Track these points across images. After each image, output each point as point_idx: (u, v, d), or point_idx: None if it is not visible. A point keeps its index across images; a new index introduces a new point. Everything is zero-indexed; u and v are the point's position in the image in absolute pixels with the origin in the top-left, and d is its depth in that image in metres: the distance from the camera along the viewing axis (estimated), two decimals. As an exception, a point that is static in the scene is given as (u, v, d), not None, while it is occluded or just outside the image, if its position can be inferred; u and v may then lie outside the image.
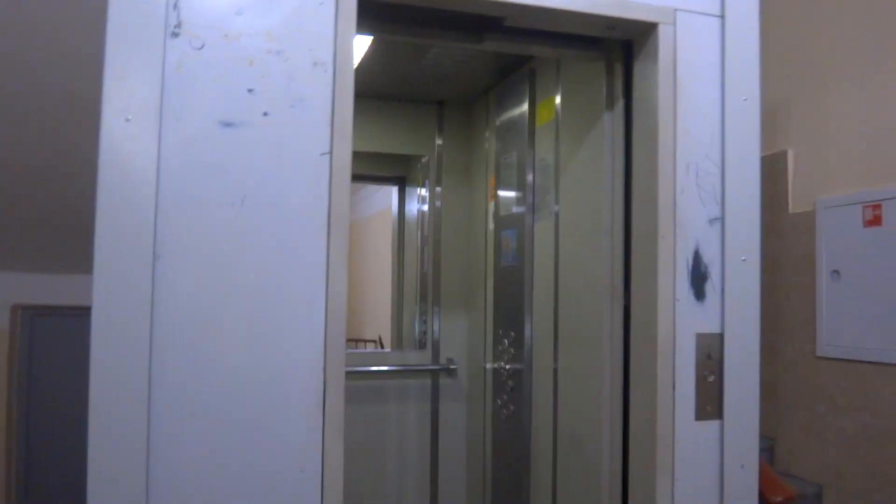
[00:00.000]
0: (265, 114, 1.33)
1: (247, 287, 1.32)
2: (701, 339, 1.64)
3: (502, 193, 2.50)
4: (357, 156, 2.92)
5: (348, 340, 3.12)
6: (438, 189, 2.90)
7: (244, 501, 1.31)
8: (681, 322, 1.62)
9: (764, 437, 3.17)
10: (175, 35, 1.27)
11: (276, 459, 1.32)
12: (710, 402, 1.65)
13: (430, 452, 2.84)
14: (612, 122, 1.86)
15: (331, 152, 1.36)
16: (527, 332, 2.30)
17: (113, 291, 1.24)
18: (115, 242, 1.24)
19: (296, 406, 1.33)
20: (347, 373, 2.69)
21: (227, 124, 1.31)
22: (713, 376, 1.65)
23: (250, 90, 1.32)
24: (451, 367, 2.85)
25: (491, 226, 2.61)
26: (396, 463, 2.82)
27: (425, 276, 2.93)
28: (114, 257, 1.24)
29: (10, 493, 3.19)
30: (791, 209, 2.56)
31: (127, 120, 1.25)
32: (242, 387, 1.31)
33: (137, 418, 1.24)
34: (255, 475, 1.32)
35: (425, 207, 2.96)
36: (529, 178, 2.30)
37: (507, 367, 2.41)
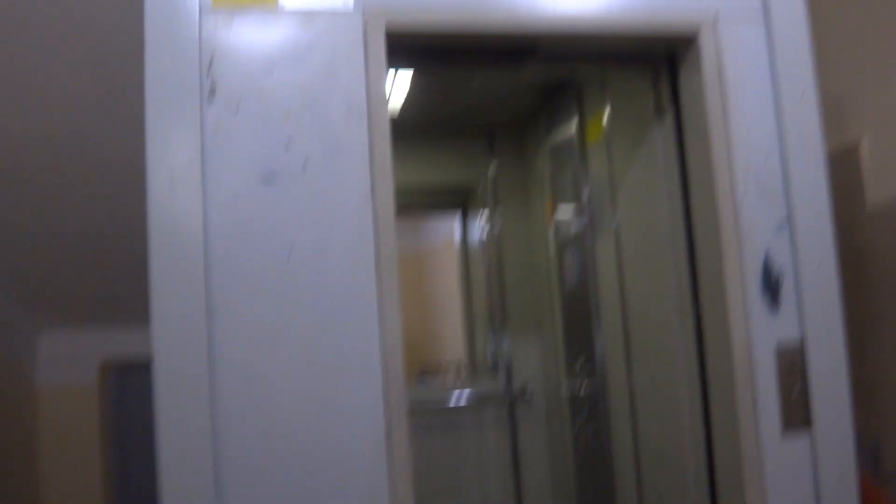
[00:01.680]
0: (304, 166, 1.34)
1: (300, 337, 1.32)
2: (781, 348, 1.55)
3: (560, 214, 2.46)
4: (414, 190, 2.97)
5: (428, 370, 3.12)
6: (498, 215, 2.88)
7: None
8: (757, 333, 1.53)
9: (866, 440, 2.98)
10: (211, 99, 1.30)
11: (345, 510, 1.31)
12: (796, 414, 1.55)
13: (512, 480, 2.79)
14: (663, 133, 1.79)
15: (372, 195, 1.36)
16: (598, 353, 2.24)
17: (171, 348, 1.27)
18: (170, 299, 1.27)
19: (359, 455, 1.32)
20: (422, 410, 2.70)
21: (268, 180, 1.32)
22: (798, 387, 1.55)
23: (288, 144, 1.34)
24: (526, 393, 2.80)
25: (552, 248, 2.57)
26: (479, 496, 2.78)
27: (493, 304, 2.89)
28: (170, 313, 1.27)
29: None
30: (869, 203, 2.42)
31: (171, 183, 1.28)
32: (303, 442, 1.31)
33: (204, 475, 1.25)
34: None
35: (486, 235, 2.94)
36: (586, 196, 2.25)
37: (582, 389, 2.35)
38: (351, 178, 1.36)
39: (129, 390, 3.54)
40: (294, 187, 1.33)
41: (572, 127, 2.31)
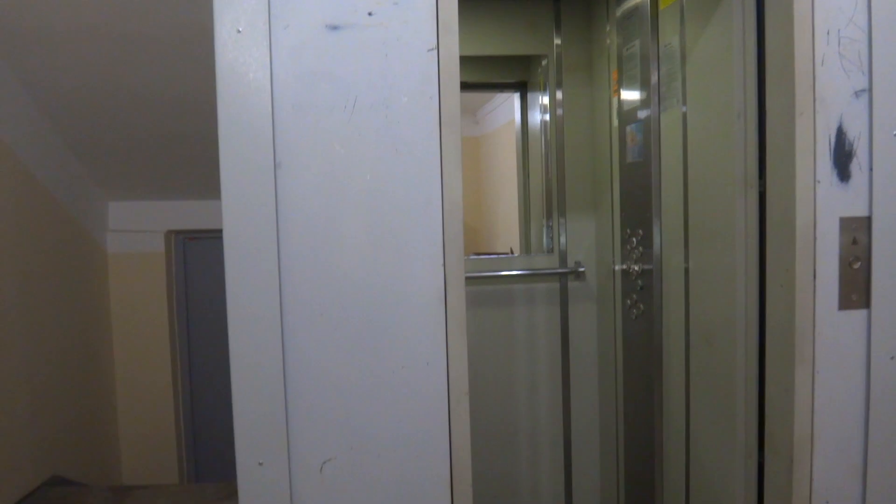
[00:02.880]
0: (370, 13, 1.32)
1: (363, 189, 1.35)
2: (845, 223, 1.52)
3: (626, 86, 2.38)
4: (475, 61, 2.91)
5: (479, 254, 3.16)
6: (560, 90, 2.81)
7: (374, 394, 1.38)
8: (822, 206, 1.50)
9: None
10: (277, -60, 1.28)
11: (402, 355, 1.38)
12: (855, 291, 1.54)
13: (560, 353, 2.86)
14: (741, -6, 1.70)
15: (437, 48, 1.34)
16: (655, 230, 2.22)
17: (239, 200, 1.31)
18: (238, 152, 1.30)
19: (418, 303, 1.37)
20: (475, 278, 2.76)
21: (334, 27, 1.31)
22: (859, 263, 1.53)
23: (354, -11, 1.32)
24: (580, 269, 2.82)
25: (615, 122, 2.51)
26: (528, 364, 2.87)
27: (550, 183, 2.88)
28: (238, 166, 1.30)
29: (177, 385, 3.55)
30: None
31: (238, 32, 1.28)
32: (366, 286, 1.36)
33: (271, 320, 1.32)
34: (383, 370, 1.38)
35: (547, 114, 2.89)
36: (654, 66, 2.17)
37: (637, 266, 2.35)
38: (416, 30, 1.34)
39: (193, 257, 3.70)
40: (358, 36, 1.32)
41: (644, -9, 2.20)
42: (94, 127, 2.88)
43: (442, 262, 1.37)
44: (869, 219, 1.51)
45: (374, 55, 1.33)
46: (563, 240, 2.84)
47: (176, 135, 2.94)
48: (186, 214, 3.51)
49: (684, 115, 2.07)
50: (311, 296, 1.34)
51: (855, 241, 1.52)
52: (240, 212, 1.31)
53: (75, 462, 3.01)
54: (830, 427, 1.54)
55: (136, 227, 3.46)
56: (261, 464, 1.35)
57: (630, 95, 2.34)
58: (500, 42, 2.81)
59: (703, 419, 2.09)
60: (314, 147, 1.33)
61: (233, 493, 2.48)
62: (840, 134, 1.48)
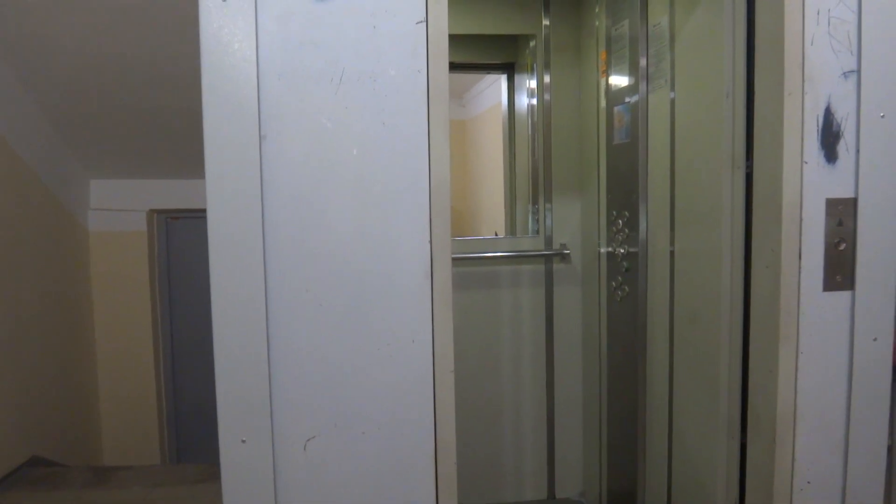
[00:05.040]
0: (358, -18, 1.30)
1: (350, 163, 1.33)
2: (831, 204, 1.52)
3: (614, 67, 2.37)
4: (462, 41, 2.89)
5: (465, 237, 3.15)
6: (548, 71, 2.80)
7: (359, 372, 1.37)
8: (809, 186, 1.50)
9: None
10: None
11: (388, 331, 1.36)
12: (840, 272, 1.54)
13: (544, 334, 2.87)
14: (732, -28, 1.70)
15: (426, 20, 1.32)
16: (641, 212, 2.23)
17: (223, 172, 1.28)
18: (222, 123, 1.28)
19: (404, 279, 1.36)
20: (461, 259, 2.75)
21: (321, -4, 1.29)
22: (845, 244, 1.53)
23: (341, -42, 1.29)
24: (565, 251, 2.82)
25: (603, 103, 2.50)
26: (512, 345, 2.87)
27: (536, 165, 2.87)
28: (222, 137, 1.27)
29: (159, 365, 3.53)
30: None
31: (223, 0, 1.25)
32: (352, 262, 1.34)
33: (256, 296, 1.30)
34: (369, 347, 1.37)
35: (534, 97, 2.87)
36: (643, 46, 2.16)
37: (622, 249, 2.36)
38: (405, 1, 1.31)
39: (176, 237, 3.66)
40: (346, 5, 1.29)
41: (634, -29, 2.19)
42: (77, 102, 2.83)
43: (429, 238, 1.35)
44: (855, 200, 1.51)
45: (361, 26, 1.30)
46: (548, 222, 2.84)
47: (160, 110, 2.90)
48: (169, 194, 3.48)
49: (672, 95, 2.07)
50: (297, 272, 1.33)
51: (840, 223, 1.52)
52: (224, 185, 1.29)
53: (56, 443, 2.98)
54: (813, 407, 1.54)
55: (118, 206, 3.42)
56: (244, 441, 1.34)
57: (618, 76, 2.33)
58: (488, 21, 2.79)
59: (686, 400, 2.11)
60: (300, 119, 1.31)
61: (214, 475, 2.47)
62: (828, 115, 1.48)
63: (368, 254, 1.34)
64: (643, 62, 2.16)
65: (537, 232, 2.88)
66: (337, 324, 1.35)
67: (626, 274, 2.35)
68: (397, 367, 1.37)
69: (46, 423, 2.93)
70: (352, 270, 1.34)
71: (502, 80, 3.20)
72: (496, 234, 5.96)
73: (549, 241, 2.85)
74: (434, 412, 1.39)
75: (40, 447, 2.84)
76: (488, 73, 4.27)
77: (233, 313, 1.31)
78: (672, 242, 2.15)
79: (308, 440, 1.37)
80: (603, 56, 2.47)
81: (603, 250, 2.57)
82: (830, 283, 1.55)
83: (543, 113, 2.81)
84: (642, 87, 2.17)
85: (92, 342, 3.41)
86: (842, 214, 1.52)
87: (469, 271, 2.83)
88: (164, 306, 3.63)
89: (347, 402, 1.37)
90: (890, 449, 1.62)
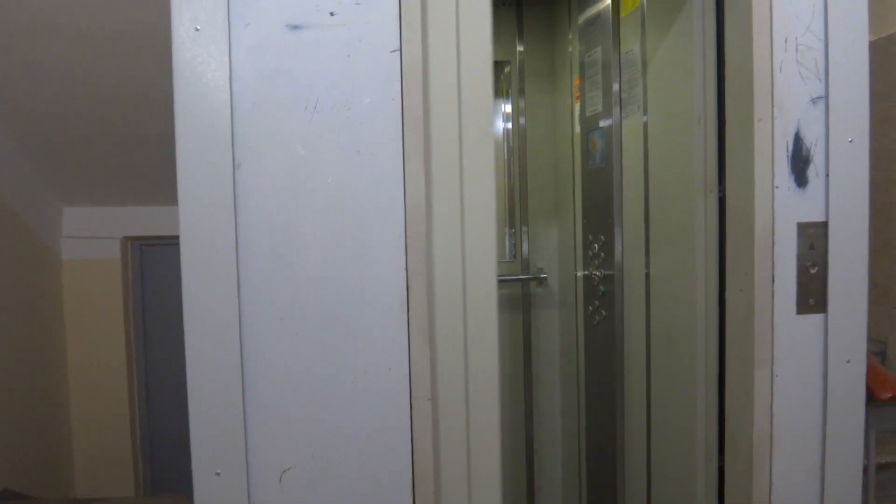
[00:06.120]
0: (332, 13, 1.30)
1: (324, 191, 1.32)
2: (803, 228, 1.54)
3: (588, 93, 2.40)
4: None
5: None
6: (522, 97, 2.82)
7: (335, 401, 1.35)
8: (781, 211, 1.52)
9: (875, 340, 3.01)
10: (236, -63, 1.26)
11: (364, 359, 1.36)
12: (812, 295, 1.56)
13: (522, 359, 2.87)
14: (702, 1, 1.72)
15: (400, 49, 1.33)
16: (617, 235, 2.24)
17: (197, 201, 1.28)
18: (195, 152, 1.27)
19: (380, 306, 1.35)
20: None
21: (295, 27, 1.29)
22: (816, 268, 1.55)
23: (316, -12, 1.30)
24: (542, 275, 2.83)
25: (577, 129, 2.53)
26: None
27: (513, 189, 2.88)
28: (195, 166, 1.27)
29: (133, 394, 3.47)
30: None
31: (196, 30, 1.25)
32: (327, 291, 1.34)
33: (230, 324, 1.29)
34: (345, 377, 1.36)
35: (510, 122, 2.89)
36: (615, 73, 2.19)
37: (598, 272, 2.37)
38: (379, 30, 1.32)
39: (150, 265, 3.62)
40: (320, 36, 1.30)
41: (606, -2, 2.22)
42: (49, 129, 2.81)
43: (404, 265, 1.35)
44: (826, 224, 1.53)
45: (335, 55, 1.31)
46: (525, 247, 2.85)
47: (133, 138, 2.88)
48: (143, 221, 3.44)
49: (645, 121, 2.09)
50: (272, 300, 1.32)
51: (812, 246, 1.54)
52: (198, 213, 1.28)
53: (27, 475, 2.91)
54: (789, 429, 1.55)
55: (91, 234, 3.37)
56: (218, 474, 1.31)
57: (592, 102, 2.36)
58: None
59: (664, 422, 2.11)
60: (274, 148, 1.30)
61: (190, 505, 2.43)
62: (798, 140, 1.50)
63: (344, 281, 1.34)
64: (616, 88, 2.19)
65: (514, 256, 2.89)
66: (312, 353, 1.34)
67: (602, 297, 2.36)
68: (374, 396, 1.36)
69: (17, 455, 2.86)
70: (327, 300, 1.33)
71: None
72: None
73: (525, 265, 2.86)
74: (411, 441, 1.38)
75: (11, 480, 2.77)
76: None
77: (206, 342, 1.30)
78: (647, 266, 2.16)
79: (284, 471, 1.35)
80: (577, 82, 2.50)
81: (580, 274, 2.58)
82: (803, 307, 1.56)
83: (519, 138, 2.83)
84: (616, 112, 2.19)
85: (65, 372, 3.35)
86: (813, 238, 1.54)
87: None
88: (138, 334, 3.58)
89: (324, 433, 1.36)
90: (865, 469, 1.64)
